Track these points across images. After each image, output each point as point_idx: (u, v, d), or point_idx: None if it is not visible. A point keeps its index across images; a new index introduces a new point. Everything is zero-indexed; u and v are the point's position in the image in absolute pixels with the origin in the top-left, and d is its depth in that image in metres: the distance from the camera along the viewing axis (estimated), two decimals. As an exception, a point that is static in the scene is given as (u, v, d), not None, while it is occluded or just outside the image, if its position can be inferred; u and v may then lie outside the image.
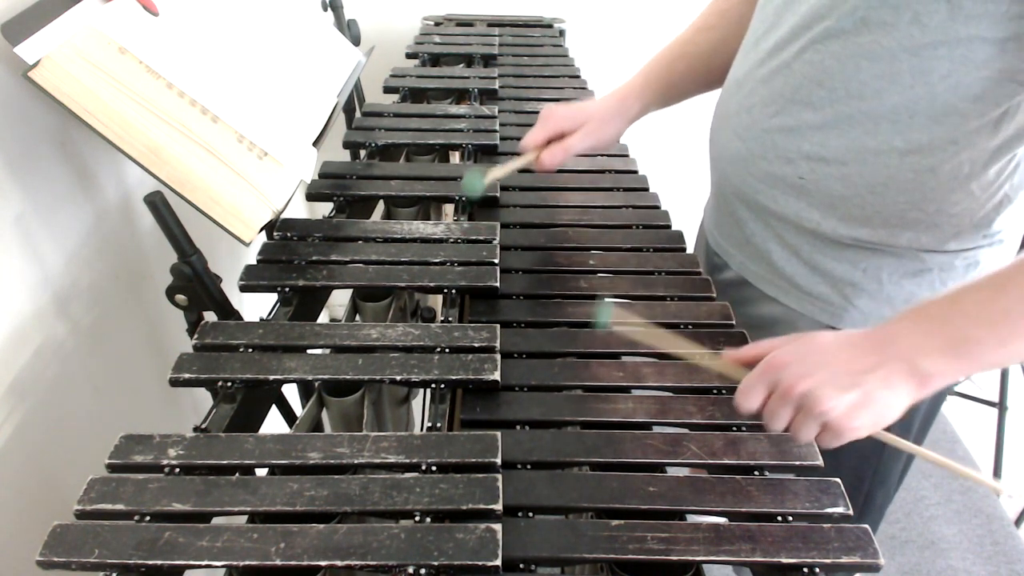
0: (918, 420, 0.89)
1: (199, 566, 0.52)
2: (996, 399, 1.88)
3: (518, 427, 0.65)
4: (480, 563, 0.51)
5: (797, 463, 0.62)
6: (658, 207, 0.97)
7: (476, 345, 0.70)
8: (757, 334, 0.78)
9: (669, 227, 0.93)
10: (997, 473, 1.84)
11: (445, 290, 0.79)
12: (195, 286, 0.75)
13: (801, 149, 0.75)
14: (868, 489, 0.91)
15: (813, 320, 0.83)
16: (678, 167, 1.66)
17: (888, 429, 0.69)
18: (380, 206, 1.04)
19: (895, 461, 0.91)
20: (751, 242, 0.85)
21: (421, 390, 0.73)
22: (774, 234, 0.82)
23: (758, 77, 0.79)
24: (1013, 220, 0.77)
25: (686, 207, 1.16)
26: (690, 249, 0.90)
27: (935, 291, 0.78)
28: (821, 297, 0.82)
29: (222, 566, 0.52)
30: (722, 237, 0.91)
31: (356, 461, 0.59)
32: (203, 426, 0.64)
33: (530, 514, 0.57)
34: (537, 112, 1.20)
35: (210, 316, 0.77)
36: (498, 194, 0.96)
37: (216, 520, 0.55)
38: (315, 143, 0.92)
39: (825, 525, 0.56)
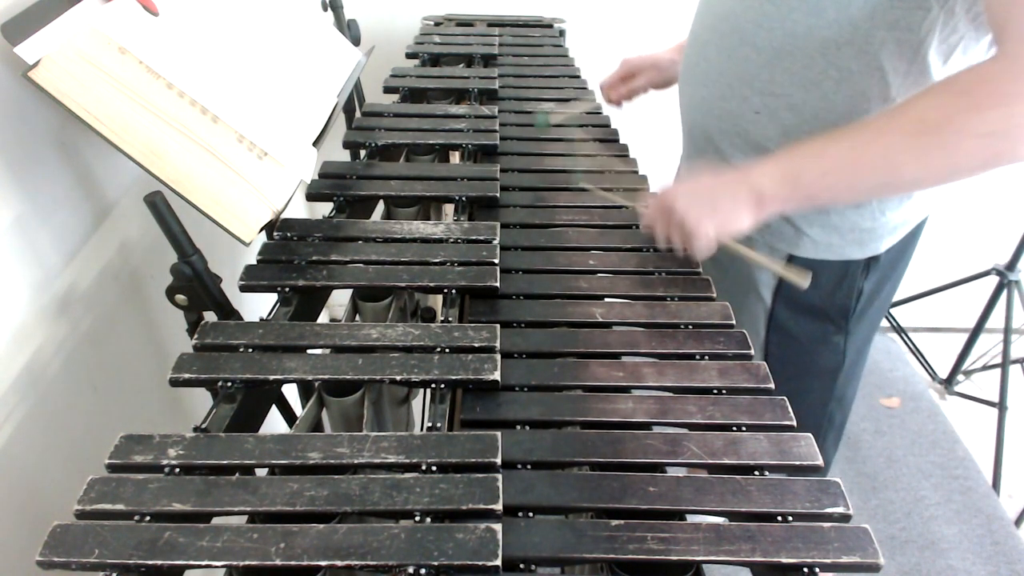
0: (866, 337, 1.04)
1: (199, 566, 0.52)
2: (996, 399, 1.88)
3: (518, 427, 0.65)
4: (480, 563, 0.51)
5: (797, 463, 0.62)
6: (658, 207, 0.97)
7: (476, 345, 0.70)
8: (724, 270, 0.96)
9: (669, 227, 0.93)
10: (997, 473, 1.84)
11: (445, 290, 0.79)
12: (195, 286, 0.75)
13: (753, 86, 0.85)
14: (830, 410, 1.07)
15: (772, 249, 0.94)
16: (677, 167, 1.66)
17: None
18: (380, 206, 1.04)
19: (850, 382, 1.06)
20: None
21: (421, 390, 0.73)
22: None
23: (710, 28, 0.89)
24: None
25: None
26: None
27: (876, 220, 0.90)
28: (778, 228, 0.93)
29: (222, 566, 0.52)
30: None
31: (356, 461, 0.59)
32: (203, 426, 0.64)
33: (530, 514, 0.57)
34: (536, 112, 1.23)
35: (210, 316, 0.77)
36: (498, 194, 0.96)
37: (216, 520, 0.55)
38: (315, 143, 0.92)
39: (825, 525, 0.56)
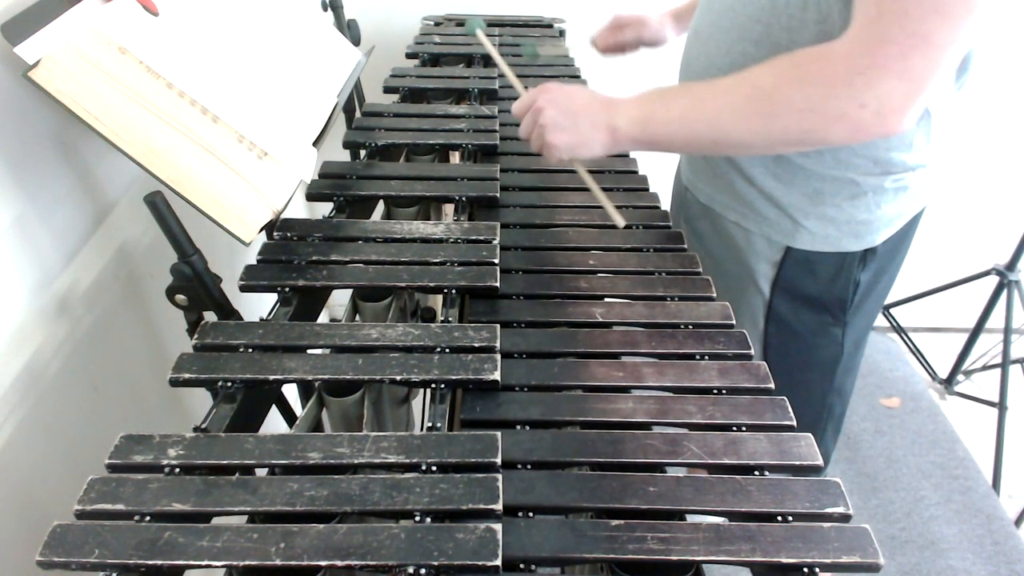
0: (865, 328, 1.05)
1: (199, 566, 0.52)
2: (996, 399, 1.88)
3: (518, 427, 0.65)
4: (480, 563, 0.51)
5: (797, 463, 0.62)
6: (658, 207, 0.97)
7: (476, 345, 0.70)
8: (722, 261, 0.98)
9: (669, 227, 0.93)
10: (997, 473, 1.84)
11: (445, 290, 0.79)
12: (195, 286, 0.75)
13: None
14: (830, 402, 1.07)
15: (770, 240, 0.95)
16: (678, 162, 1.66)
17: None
18: (380, 206, 1.04)
19: (848, 373, 1.07)
20: (717, 175, 0.97)
21: (421, 390, 0.73)
22: (734, 166, 0.93)
23: (711, 23, 0.89)
24: (936, 144, 0.87)
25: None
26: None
27: (871, 212, 0.91)
28: (775, 219, 0.93)
29: (222, 566, 0.52)
30: (692, 172, 1.03)
31: (356, 461, 0.59)
32: (203, 426, 0.64)
33: (530, 514, 0.57)
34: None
35: (210, 316, 0.77)
36: (498, 194, 0.96)
37: (216, 520, 0.55)
38: (315, 143, 0.92)
39: (825, 525, 0.56)
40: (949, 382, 2.14)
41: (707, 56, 0.90)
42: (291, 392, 0.81)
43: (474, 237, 0.86)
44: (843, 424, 1.14)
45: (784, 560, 0.54)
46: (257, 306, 0.86)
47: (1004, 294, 1.91)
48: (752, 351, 0.73)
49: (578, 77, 1.23)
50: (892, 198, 0.90)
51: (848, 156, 0.86)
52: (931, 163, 0.90)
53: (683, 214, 1.07)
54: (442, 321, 0.77)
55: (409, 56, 1.41)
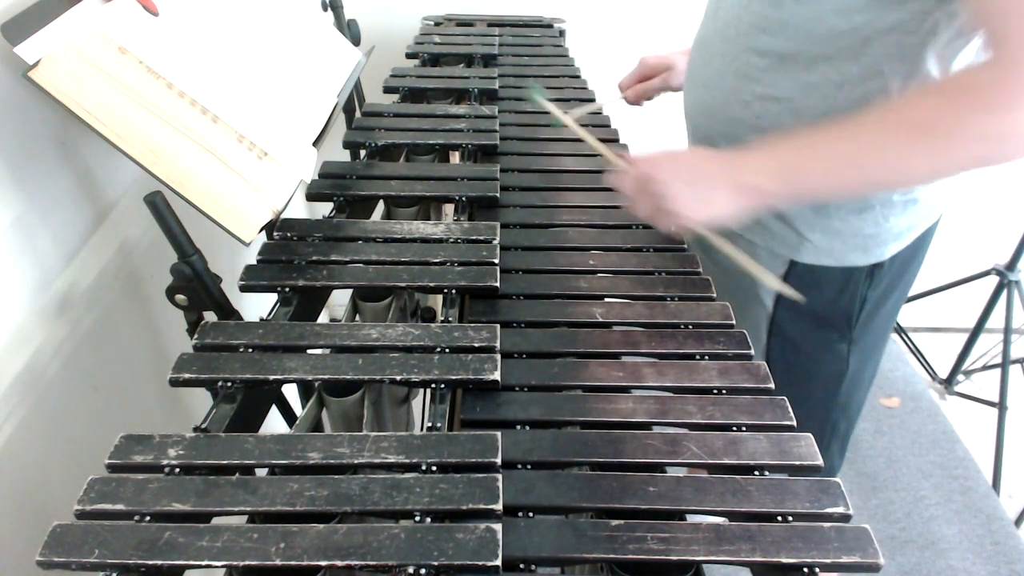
0: (871, 345, 1.01)
1: (199, 566, 0.52)
2: (996, 399, 1.88)
3: (518, 427, 0.65)
4: (480, 563, 0.51)
5: (797, 463, 0.62)
6: (658, 207, 0.97)
7: (476, 345, 0.70)
8: (725, 275, 0.93)
9: (669, 227, 0.93)
10: (997, 473, 1.84)
11: (445, 290, 0.79)
12: (195, 286, 0.75)
13: (754, 91, 0.85)
14: (834, 418, 1.05)
15: (773, 253, 0.93)
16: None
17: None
18: (380, 206, 1.04)
19: (854, 390, 1.04)
20: None
21: (421, 390, 0.73)
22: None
23: (715, 32, 0.88)
24: None
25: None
26: None
27: (879, 226, 0.89)
28: (779, 233, 0.91)
29: (222, 566, 0.52)
30: None
31: (356, 461, 0.59)
32: (203, 426, 0.64)
33: (530, 514, 0.57)
34: (536, 112, 1.22)
35: (210, 316, 0.77)
36: (498, 194, 0.96)
37: (216, 520, 0.55)
38: (315, 143, 0.92)
39: (825, 525, 0.56)
40: (949, 382, 2.14)
41: (711, 66, 0.89)
42: (291, 392, 0.81)
43: (474, 237, 0.86)
44: (849, 442, 1.11)
45: (784, 560, 0.54)
46: (257, 306, 0.86)
47: (1004, 294, 1.91)
48: (752, 351, 0.73)
49: (609, 128, 1.18)
50: (901, 211, 0.88)
51: None
52: None
53: None
54: (442, 321, 0.77)
55: (409, 56, 1.41)
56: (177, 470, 0.58)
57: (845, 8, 0.75)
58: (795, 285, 0.91)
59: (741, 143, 0.87)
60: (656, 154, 0.79)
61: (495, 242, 0.86)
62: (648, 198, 0.78)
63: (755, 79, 0.84)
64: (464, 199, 0.95)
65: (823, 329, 0.96)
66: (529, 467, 0.61)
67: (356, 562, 0.51)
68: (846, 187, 0.76)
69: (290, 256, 0.82)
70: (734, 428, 0.65)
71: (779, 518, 0.57)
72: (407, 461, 0.59)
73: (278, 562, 0.51)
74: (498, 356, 0.69)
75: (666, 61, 1.12)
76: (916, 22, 0.73)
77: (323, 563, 0.51)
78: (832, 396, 1.02)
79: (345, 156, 1.12)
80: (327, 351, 0.70)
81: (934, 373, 2.18)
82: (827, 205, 0.87)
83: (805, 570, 0.54)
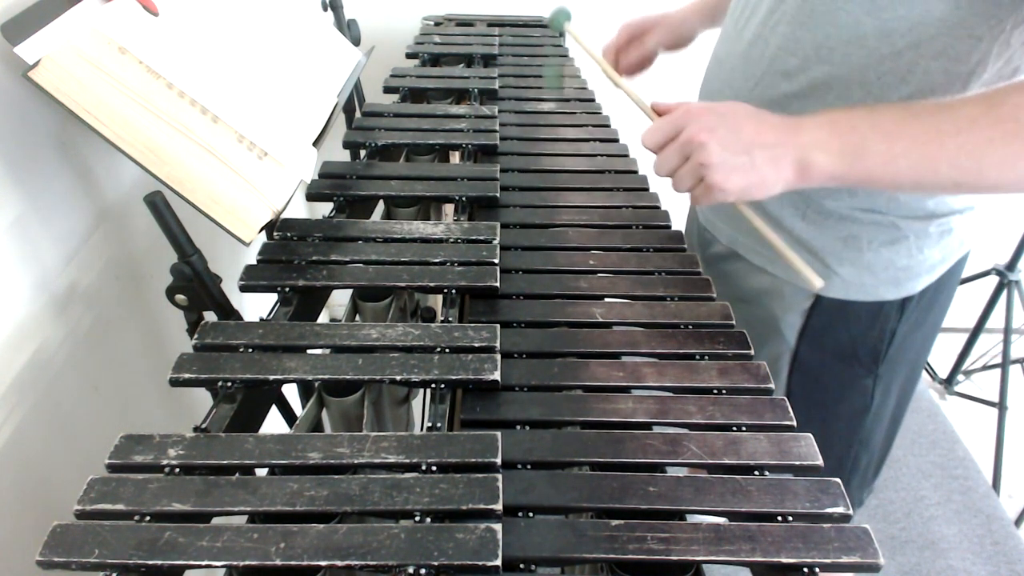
0: (899, 381, 0.94)
1: (199, 566, 0.52)
2: (996, 399, 1.88)
3: (518, 427, 0.65)
4: (480, 563, 0.51)
5: (797, 463, 0.62)
6: (658, 207, 0.97)
7: (476, 345, 0.70)
8: (745, 306, 0.86)
9: (669, 227, 0.93)
10: (997, 473, 1.84)
11: (445, 290, 0.79)
12: (195, 286, 0.75)
13: None
14: (855, 453, 0.97)
15: (797, 288, 0.86)
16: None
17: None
18: (380, 206, 1.04)
19: (877, 425, 0.97)
20: (738, 215, 0.85)
21: (421, 390, 0.73)
22: (758, 204, 0.83)
23: (737, 53, 0.82)
24: None
25: (686, 207, 1.16)
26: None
27: (912, 258, 0.82)
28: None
29: (222, 566, 0.52)
30: (712, 212, 0.95)
31: (356, 461, 0.59)
32: (203, 426, 0.64)
33: (530, 514, 0.57)
34: (536, 112, 1.22)
35: (210, 316, 0.77)
36: (498, 194, 0.96)
37: (216, 520, 0.55)
38: (315, 143, 0.92)
39: (825, 525, 0.56)
40: (949, 382, 2.14)
41: (731, 88, 0.83)
42: (291, 392, 0.81)
43: (474, 237, 0.86)
44: (871, 477, 1.04)
45: (784, 560, 0.54)
46: (257, 306, 0.87)
47: (1004, 294, 1.91)
48: (752, 351, 0.73)
49: (609, 128, 1.14)
50: (936, 242, 0.82)
51: (886, 201, 0.79)
52: (979, 205, 0.83)
53: (702, 254, 0.97)
54: (442, 321, 0.77)
55: (409, 56, 1.41)
56: (177, 470, 0.58)
57: (888, 31, 0.69)
58: (821, 320, 0.85)
59: None
60: (705, 111, 0.66)
61: (495, 242, 0.86)
62: (689, 167, 0.66)
63: (781, 105, 0.78)
64: (464, 199, 0.95)
65: (848, 364, 0.90)
66: (529, 467, 0.61)
67: (356, 562, 0.51)
68: (918, 182, 0.66)
69: (290, 256, 0.82)
70: (734, 428, 0.65)
71: (779, 518, 0.57)
72: (407, 461, 0.59)
73: (278, 562, 0.51)
74: (498, 356, 0.69)
75: (654, 18, 1.02)
76: (967, 49, 0.68)
77: (323, 563, 0.51)
78: (854, 431, 0.96)
79: (345, 156, 1.12)
80: (327, 351, 0.70)
81: (934, 373, 2.18)
82: (858, 237, 0.81)
83: (805, 570, 0.54)
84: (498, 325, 0.73)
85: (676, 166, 0.66)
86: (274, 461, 0.59)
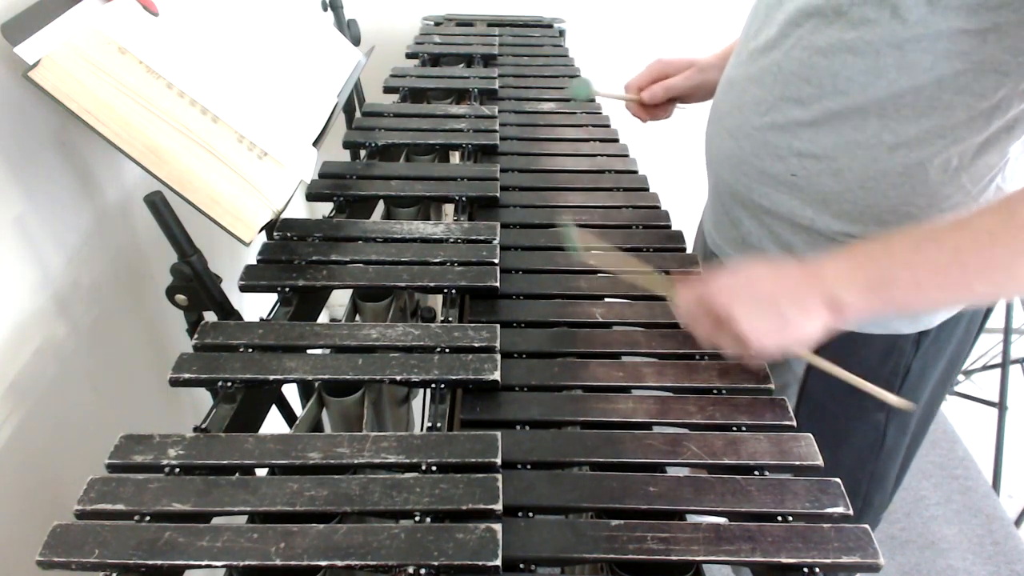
0: (915, 418, 0.91)
1: (199, 566, 0.52)
2: (996, 399, 1.88)
3: (518, 427, 0.65)
4: (480, 563, 0.51)
5: (797, 463, 0.62)
6: (658, 207, 0.97)
7: (476, 345, 0.70)
8: None
9: (669, 227, 0.93)
10: (997, 473, 1.84)
11: (445, 290, 0.79)
12: (195, 286, 0.75)
13: (792, 146, 0.76)
14: (866, 491, 0.94)
15: None
16: (678, 167, 1.66)
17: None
18: (380, 206, 1.04)
19: (891, 463, 0.94)
20: (747, 241, 0.86)
21: (421, 390, 0.73)
22: (769, 232, 0.83)
23: (749, 76, 0.80)
24: None
25: (686, 207, 1.16)
26: (689, 249, 0.90)
27: None
28: None
29: (222, 566, 0.52)
30: (719, 236, 0.92)
31: (356, 461, 0.59)
32: (203, 426, 0.64)
33: (530, 514, 0.57)
34: (536, 112, 1.22)
35: (210, 316, 0.77)
36: (498, 194, 0.96)
37: (216, 520, 0.55)
38: (315, 143, 0.92)
39: (825, 525, 0.56)
40: (949, 382, 2.14)
41: (742, 112, 0.81)
42: (291, 392, 0.81)
43: (474, 237, 0.86)
44: (881, 517, 1.01)
45: (784, 560, 0.54)
46: (257, 306, 0.87)
47: (1004, 294, 1.91)
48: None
49: (609, 128, 1.13)
50: None
51: (914, 221, 0.75)
52: None
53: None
54: (442, 321, 0.77)
55: (409, 56, 1.41)
56: (177, 470, 0.58)
57: (910, 64, 0.67)
58: (833, 352, 0.80)
59: (771, 201, 0.81)
60: (716, 281, 0.66)
61: (495, 242, 0.86)
62: (722, 332, 0.66)
63: (793, 133, 0.76)
64: (464, 199, 0.95)
65: (859, 398, 0.84)
66: (529, 467, 0.61)
67: (356, 562, 0.51)
68: (951, 300, 0.66)
69: (290, 256, 0.82)
70: (734, 428, 0.65)
71: (779, 518, 0.57)
72: (407, 461, 0.59)
73: (278, 562, 0.51)
74: (498, 356, 0.69)
75: (684, 60, 1.00)
76: (992, 85, 0.66)
77: (323, 563, 0.51)
78: (864, 466, 0.93)
79: (345, 156, 1.12)
80: (327, 351, 0.70)
81: (934, 373, 2.18)
82: None
83: (805, 570, 0.54)
84: (498, 325, 0.73)
85: (706, 327, 0.67)
86: (274, 461, 0.59)
